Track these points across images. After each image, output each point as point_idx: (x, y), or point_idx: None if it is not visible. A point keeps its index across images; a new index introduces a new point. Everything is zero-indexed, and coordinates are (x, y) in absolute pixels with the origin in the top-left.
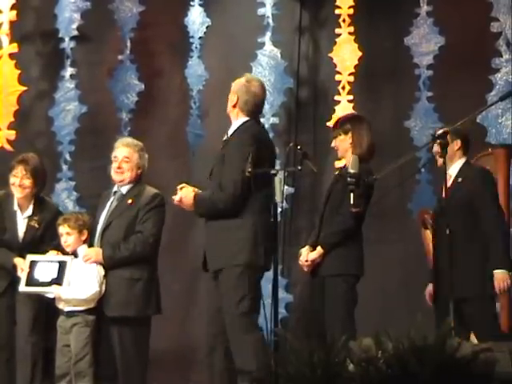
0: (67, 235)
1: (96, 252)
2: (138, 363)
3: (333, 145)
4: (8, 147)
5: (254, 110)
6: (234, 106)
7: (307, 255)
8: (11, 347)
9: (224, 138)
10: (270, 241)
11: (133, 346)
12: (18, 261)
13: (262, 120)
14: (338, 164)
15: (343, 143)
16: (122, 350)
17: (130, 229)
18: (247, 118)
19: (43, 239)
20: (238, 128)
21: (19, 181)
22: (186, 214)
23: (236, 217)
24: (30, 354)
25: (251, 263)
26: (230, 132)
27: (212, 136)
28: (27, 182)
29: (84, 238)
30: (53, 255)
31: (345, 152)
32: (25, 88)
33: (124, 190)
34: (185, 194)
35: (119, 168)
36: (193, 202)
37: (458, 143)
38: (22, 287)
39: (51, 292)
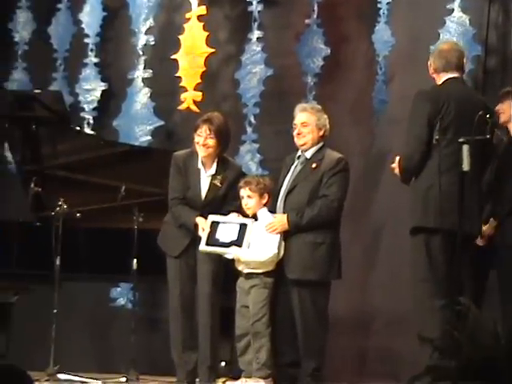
0: (248, 198)
1: (281, 222)
2: (318, 326)
3: (497, 108)
4: (194, 108)
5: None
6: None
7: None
8: (192, 305)
9: None
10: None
11: (313, 308)
12: (199, 220)
13: None
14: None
15: (508, 108)
16: (302, 313)
17: (313, 193)
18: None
19: (225, 198)
20: None
21: (203, 140)
22: (368, 179)
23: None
24: (209, 313)
25: (422, 227)
26: None
27: (396, 102)
28: (211, 142)
29: (265, 201)
30: (234, 217)
31: (507, 118)
32: (212, 50)
33: (308, 154)
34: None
35: (299, 134)
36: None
37: None
38: (202, 246)
39: (230, 253)
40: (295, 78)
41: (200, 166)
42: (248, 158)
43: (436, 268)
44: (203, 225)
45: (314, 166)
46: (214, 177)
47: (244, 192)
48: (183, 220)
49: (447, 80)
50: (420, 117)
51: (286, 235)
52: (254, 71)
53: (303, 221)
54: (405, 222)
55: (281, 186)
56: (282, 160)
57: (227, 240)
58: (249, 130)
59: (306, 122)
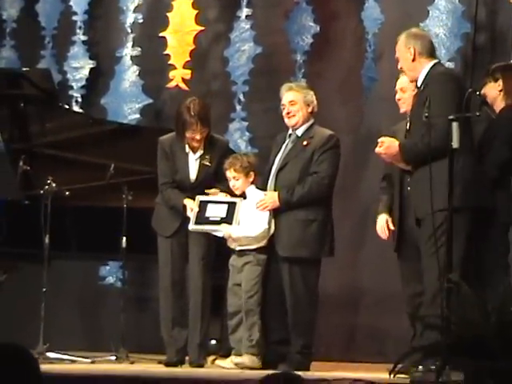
0: (234, 179)
1: (272, 199)
2: (307, 304)
3: (482, 92)
4: (183, 86)
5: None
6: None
7: None
8: (183, 284)
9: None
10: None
11: (303, 286)
12: (187, 201)
13: None
14: None
15: (491, 90)
16: (291, 290)
17: (304, 170)
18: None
19: (216, 176)
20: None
21: (195, 137)
22: (358, 157)
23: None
24: (200, 292)
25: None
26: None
27: (386, 80)
28: (199, 136)
29: (251, 179)
30: (222, 196)
31: (493, 100)
32: (201, 28)
33: (299, 132)
34: (388, 144)
35: (288, 113)
36: (399, 150)
37: None
38: (192, 225)
39: (220, 230)
40: (284, 56)
41: (188, 149)
42: (237, 136)
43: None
44: (191, 205)
45: (304, 143)
46: (202, 157)
47: (229, 174)
48: (173, 203)
49: (437, 64)
50: (456, 97)
51: (276, 213)
52: (242, 49)
53: (294, 198)
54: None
55: (272, 165)
56: (271, 138)
57: (217, 218)
58: (238, 107)
59: (294, 100)
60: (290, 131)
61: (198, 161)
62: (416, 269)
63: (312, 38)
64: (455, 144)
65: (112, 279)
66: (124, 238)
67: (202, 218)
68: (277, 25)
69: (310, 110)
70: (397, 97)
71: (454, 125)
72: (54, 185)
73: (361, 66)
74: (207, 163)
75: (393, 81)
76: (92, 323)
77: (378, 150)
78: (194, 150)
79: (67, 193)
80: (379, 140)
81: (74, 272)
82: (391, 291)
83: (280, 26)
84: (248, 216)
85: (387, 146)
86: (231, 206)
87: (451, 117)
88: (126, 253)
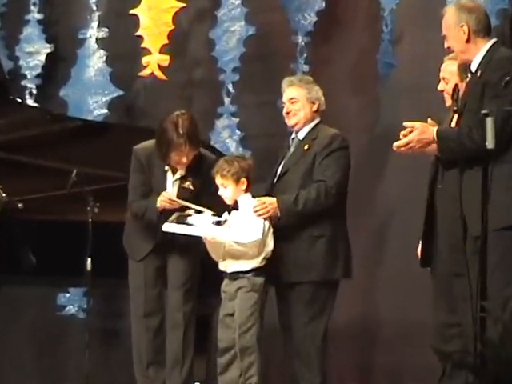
0: (222, 187)
1: (271, 204)
2: (315, 339)
3: None
4: (160, 75)
5: None
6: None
7: None
8: (161, 314)
9: None
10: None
11: (311, 318)
12: (162, 196)
13: None
14: None
15: None
16: (298, 322)
17: (306, 178)
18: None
19: (200, 199)
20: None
21: (182, 159)
22: (373, 161)
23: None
24: (181, 324)
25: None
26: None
27: (406, 66)
28: (185, 159)
29: (243, 186)
30: (208, 216)
31: None
32: (182, 4)
33: (301, 134)
34: (421, 129)
35: (288, 112)
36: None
37: None
38: (166, 226)
39: (202, 232)
40: (282, 38)
41: (167, 167)
42: (225, 135)
43: None
44: (167, 196)
45: (306, 147)
46: (183, 180)
47: (217, 181)
48: (143, 210)
49: (495, 44)
50: None
51: (276, 229)
52: (232, 29)
53: (296, 208)
54: (417, 213)
55: (274, 176)
56: (267, 137)
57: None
58: (226, 100)
59: (295, 97)
60: (294, 134)
61: (178, 183)
62: (450, 291)
63: (316, 16)
64: (490, 144)
65: (73, 309)
66: (89, 260)
67: (180, 220)
68: (273, 0)
69: (314, 108)
70: (439, 87)
71: (489, 120)
72: (4, 194)
73: (376, 50)
74: (190, 187)
75: (414, 67)
76: (51, 361)
77: (398, 143)
78: (174, 171)
79: (20, 204)
80: (407, 124)
81: (28, 300)
82: (414, 321)
83: (277, 2)
84: (240, 224)
85: (421, 130)
86: (218, 223)
87: (484, 111)
88: (90, 277)
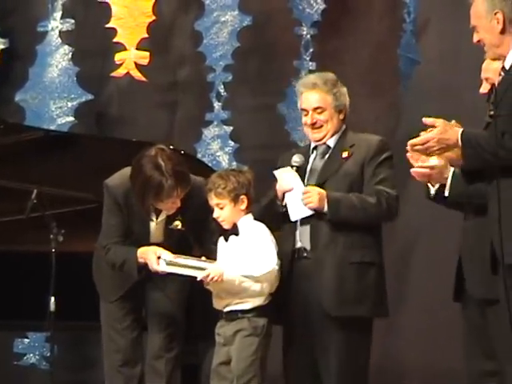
0: (218, 207)
1: (319, 195)
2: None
3: None
4: (137, 75)
5: None
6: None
7: None
8: (141, 363)
9: None
10: None
11: (355, 358)
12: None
13: None
14: None
15: None
16: (339, 365)
17: (354, 189)
18: None
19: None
20: None
21: (174, 208)
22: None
23: None
24: (163, 374)
25: None
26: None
27: (432, 63)
28: (179, 202)
29: (243, 206)
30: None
31: None
32: None
33: (331, 142)
34: (444, 126)
35: (314, 124)
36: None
37: None
38: (163, 266)
39: (205, 270)
40: (284, 30)
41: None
42: (216, 147)
43: None
44: (151, 250)
45: (344, 155)
46: (170, 220)
47: (211, 201)
48: (121, 262)
49: None
50: None
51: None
52: (223, 20)
53: (355, 204)
54: (444, 240)
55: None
56: (265, 148)
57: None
58: (217, 105)
59: (321, 106)
60: (313, 144)
61: (163, 223)
62: (486, 333)
63: (324, 3)
64: None
65: (34, 358)
66: (52, 299)
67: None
68: None
69: (341, 116)
70: (481, 89)
71: None
72: None
73: (396, 43)
74: (179, 227)
75: (442, 63)
76: None
77: (423, 135)
78: (158, 211)
79: None
80: (426, 120)
81: None
82: (444, 368)
83: None
84: (244, 253)
85: (443, 129)
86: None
87: None
88: (54, 320)
